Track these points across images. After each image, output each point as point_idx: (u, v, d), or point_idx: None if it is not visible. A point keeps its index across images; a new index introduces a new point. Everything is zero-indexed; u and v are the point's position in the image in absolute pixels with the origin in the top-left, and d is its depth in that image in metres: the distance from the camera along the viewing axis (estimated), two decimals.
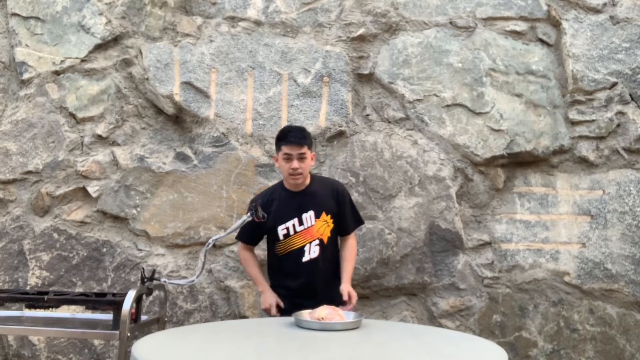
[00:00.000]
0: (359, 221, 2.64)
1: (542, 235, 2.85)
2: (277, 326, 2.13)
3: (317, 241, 2.52)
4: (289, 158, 2.44)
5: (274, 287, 2.58)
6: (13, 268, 2.92)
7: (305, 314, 2.15)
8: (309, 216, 2.52)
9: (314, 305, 2.20)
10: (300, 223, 2.52)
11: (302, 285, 2.50)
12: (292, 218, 2.51)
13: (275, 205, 2.53)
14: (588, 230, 2.83)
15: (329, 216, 2.53)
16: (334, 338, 1.93)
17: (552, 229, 2.85)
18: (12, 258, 2.92)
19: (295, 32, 2.96)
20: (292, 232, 2.51)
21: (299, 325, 2.07)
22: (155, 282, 2.30)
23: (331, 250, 2.57)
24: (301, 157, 2.44)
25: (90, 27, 2.98)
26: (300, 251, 2.51)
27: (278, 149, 2.49)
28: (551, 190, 2.87)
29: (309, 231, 2.51)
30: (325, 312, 2.10)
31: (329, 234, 2.54)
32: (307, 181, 2.55)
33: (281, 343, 1.87)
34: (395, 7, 2.94)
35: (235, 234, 2.57)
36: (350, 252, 2.59)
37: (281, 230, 2.50)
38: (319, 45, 2.94)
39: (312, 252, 2.51)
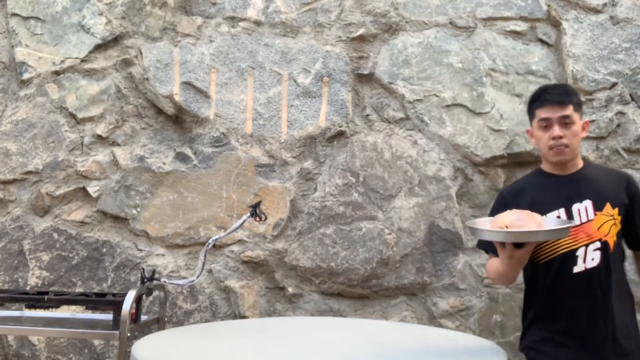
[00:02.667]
0: None
1: None
2: (277, 326, 2.12)
3: (598, 244, 1.85)
4: (547, 124, 1.88)
5: (532, 344, 1.91)
6: (13, 268, 2.92)
7: (485, 222, 1.76)
8: (583, 207, 1.87)
9: (598, 354, 1.76)
10: (570, 216, 1.86)
11: (572, 314, 1.83)
12: (555, 208, 1.87)
13: (529, 195, 1.91)
14: None
15: (617, 210, 1.87)
16: (334, 338, 1.92)
17: None
18: (12, 258, 2.92)
19: (295, 32, 2.96)
20: None
21: (475, 235, 1.80)
22: (155, 282, 2.30)
23: (619, 265, 1.92)
24: (565, 123, 1.86)
25: (90, 27, 2.98)
26: (569, 258, 1.84)
27: (531, 115, 1.96)
28: None
29: (583, 228, 1.85)
30: (511, 217, 1.64)
31: (615, 238, 1.87)
32: (579, 162, 1.96)
33: (281, 343, 1.87)
34: (395, 7, 2.94)
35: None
36: None
37: None
38: (319, 45, 2.94)
39: (589, 258, 1.83)
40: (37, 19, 3.01)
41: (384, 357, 1.70)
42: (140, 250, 2.92)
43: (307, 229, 2.87)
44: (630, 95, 2.84)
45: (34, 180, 2.96)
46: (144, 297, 2.29)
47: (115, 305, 2.15)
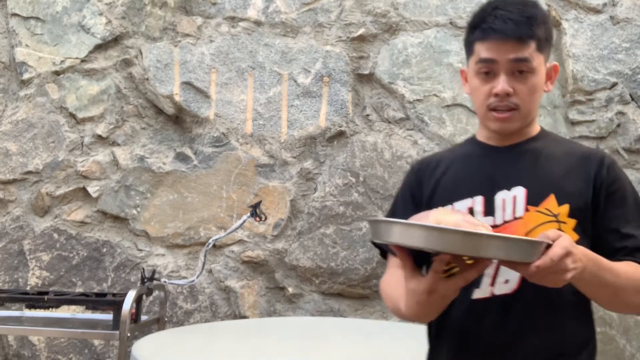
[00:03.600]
0: None
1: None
2: (277, 326, 2.13)
3: None
4: (489, 70, 1.22)
5: None
6: (13, 268, 2.92)
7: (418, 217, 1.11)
8: (511, 198, 1.21)
9: None
10: (489, 209, 1.21)
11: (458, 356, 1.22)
12: (468, 195, 1.23)
13: (442, 172, 1.30)
14: None
15: (565, 208, 1.19)
16: (334, 338, 1.93)
17: None
18: (12, 258, 2.92)
19: (295, 32, 2.96)
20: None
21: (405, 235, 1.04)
22: (155, 282, 2.30)
23: (567, 294, 1.18)
24: (520, 70, 1.20)
25: (90, 27, 2.98)
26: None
27: (469, 50, 1.29)
28: None
29: (507, 230, 1.18)
30: (456, 218, 1.04)
31: None
32: (531, 129, 1.30)
33: (281, 343, 1.87)
34: (395, 7, 2.94)
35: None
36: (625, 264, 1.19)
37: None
38: (319, 45, 2.94)
39: (500, 280, 1.17)
40: (37, 19, 3.01)
41: (384, 357, 1.70)
42: (140, 250, 2.92)
43: (307, 229, 2.87)
44: (630, 95, 2.84)
45: (34, 180, 2.95)
46: (144, 297, 2.29)
47: (115, 305, 2.15)
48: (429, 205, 1.25)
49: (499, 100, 1.21)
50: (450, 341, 1.23)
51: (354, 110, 2.93)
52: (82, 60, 2.98)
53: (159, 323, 2.42)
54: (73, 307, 2.58)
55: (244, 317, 2.86)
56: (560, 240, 1.01)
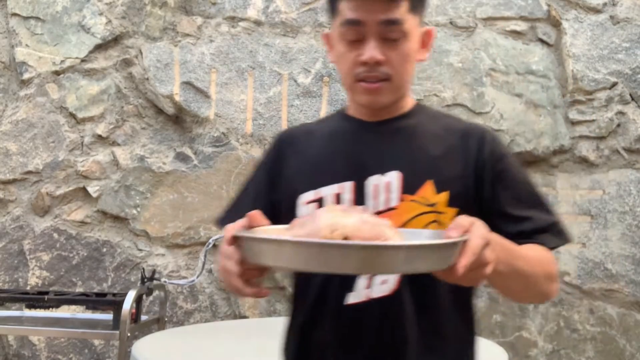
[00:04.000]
0: (556, 231, 1.09)
1: None
2: (277, 326, 2.12)
3: None
4: (356, 35, 1.04)
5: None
6: (13, 268, 2.92)
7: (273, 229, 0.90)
8: (384, 184, 1.05)
9: None
10: (359, 197, 1.05)
11: None
12: (335, 180, 1.07)
13: (306, 149, 1.14)
14: (588, 230, 2.83)
15: (444, 196, 1.05)
16: None
17: None
18: (12, 258, 2.92)
19: (295, 32, 2.96)
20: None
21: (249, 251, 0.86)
22: (155, 282, 2.30)
23: (444, 292, 1.05)
24: (390, 36, 1.04)
25: (91, 27, 2.98)
26: (341, 278, 1.03)
27: (333, 10, 1.09)
28: (551, 190, 2.87)
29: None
30: (352, 221, 0.80)
31: None
32: (404, 103, 1.14)
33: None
34: None
35: None
36: (529, 247, 1.04)
37: (304, 207, 1.06)
38: (319, 45, 2.94)
39: (376, 281, 1.03)
40: (37, 19, 3.01)
41: None
42: (140, 250, 2.92)
43: None
44: (630, 95, 2.84)
45: (34, 180, 2.95)
46: (144, 297, 2.29)
47: (115, 305, 2.15)
48: (289, 188, 1.08)
49: (367, 70, 1.04)
50: (322, 355, 1.05)
51: None
52: (82, 60, 2.98)
53: (159, 323, 2.42)
54: (73, 307, 2.58)
55: (244, 317, 2.86)
56: (476, 228, 0.83)
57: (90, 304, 2.27)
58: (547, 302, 0.90)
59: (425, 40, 1.17)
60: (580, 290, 2.82)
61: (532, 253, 1.03)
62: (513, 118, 2.86)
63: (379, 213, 1.02)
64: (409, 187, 1.05)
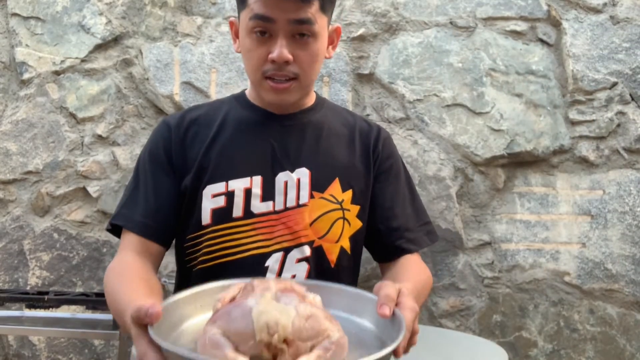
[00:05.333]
0: (427, 230, 1.23)
1: (542, 235, 2.85)
2: None
3: (307, 249, 1.06)
4: (265, 31, 1.03)
5: None
6: (13, 268, 2.92)
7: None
8: (294, 181, 1.06)
9: None
10: (268, 193, 1.05)
11: None
12: (245, 174, 1.06)
13: (213, 138, 1.09)
14: (588, 230, 2.83)
15: (349, 194, 1.09)
16: None
17: (552, 229, 2.85)
18: (12, 258, 2.92)
19: None
20: (238, 211, 1.02)
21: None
22: None
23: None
24: (301, 34, 1.04)
25: (91, 27, 2.98)
26: (252, 269, 1.03)
27: (241, 2, 1.08)
28: (551, 190, 2.87)
29: (286, 219, 1.04)
30: (291, 326, 0.71)
31: (346, 243, 1.10)
32: (311, 97, 1.18)
33: None
34: (396, 7, 2.94)
35: None
36: (420, 272, 1.19)
37: (209, 200, 1.04)
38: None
39: (286, 274, 1.06)
40: (37, 19, 3.01)
41: None
42: None
43: None
44: (630, 95, 2.84)
45: (34, 180, 2.95)
46: None
47: None
48: (194, 178, 1.01)
49: (276, 68, 1.03)
50: None
51: (354, 110, 2.93)
52: (82, 60, 2.98)
53: None
54: (73, 307, 2.58)
55: None
56: (405, 299, 0.82)
57: (90, 304, 2.26)
58: None
59: (333, 38, 1.17)
60: (580, 290, 2.82)
61: (419, 278, 1.06)
62: (513, 118, 2.86)
63: (288, 209, 1.04)
64: (318, 184, 1.07)
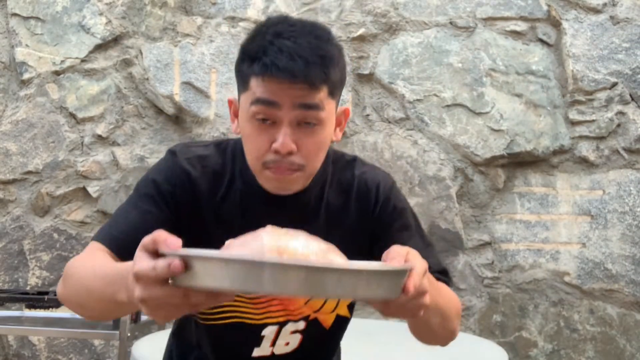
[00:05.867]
0: (447, 273, 1.12)
1: (542, 235, 2.85)
2: None
3: (302, 324, 1.10)
4: (269, 117, 0.95)
5: None
6: (13, 268, 2.92)
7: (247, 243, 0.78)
8: None
9: None
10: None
11: None
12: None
13: (211, 209, 1.05)
14: (588, 231, 2.83)
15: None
16: None
17: (552, 229, 2.85)
18: (12, 258, 2.92)
19: None
20: None
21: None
22: None
23: (334, 347, 1.22)
24: (306, 122, 0.96)
25: (91, 27, 2.98)
26: (249, 332, 1.08)
27: (243, 81, 0.99)
28: (551, 190, 2.87)
29: (284, 298, 1.05)
30: (300, 250, 0.73)
31: (345, 309, 1.14)
32: (307, 179, 1.04)
33: None
34: (395, 7, 2.94)
35: None
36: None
37: None
38: None
39: (281, 342, 1.10)
40: (37, 19, 3.01)
41: (384, 357, 1.69)
42: None
43: None
44: (630, 95, 2.84)
45: (34, 180, 2.95)
46: None
47: None
48: (200, 245, 0.85)
49: (278, 159, 0.95)
50: None
51: (354, 110, 2.93)
52: (82, 60, 2.98)
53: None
54: None
55: None
56: (413, 255, 0.81)
57: None
58: (449, 343, 0.91)
59: (341, 120, 1.08)
60: (580, 290, 2.82)
61: (444, 289, 1.03)
62: (513, 118, 2.86)
63: None
64: None
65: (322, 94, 0.94)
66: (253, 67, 0.95)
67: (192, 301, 0.70)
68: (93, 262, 0.98)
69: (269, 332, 1.06)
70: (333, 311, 1.08)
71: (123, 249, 0.99)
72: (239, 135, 1.04)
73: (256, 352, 1.09)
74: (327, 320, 1.10)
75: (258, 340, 1.07)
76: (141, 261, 0.70)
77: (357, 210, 1.07)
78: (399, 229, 1.07)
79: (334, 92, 0.98)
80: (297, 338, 1.08)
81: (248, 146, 0.99)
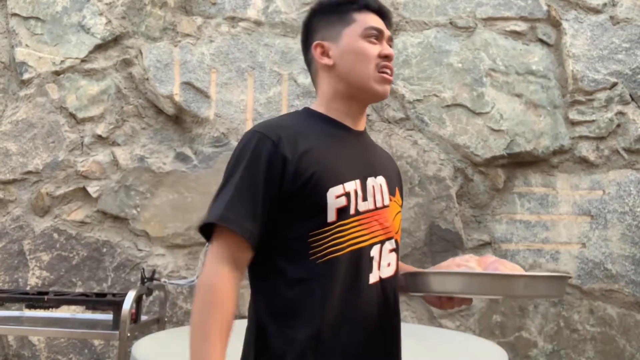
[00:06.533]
0: None
1: (542, 235, 2.85)
2: None
3: (394, 243, 1.26)
4: (377, 36, 1.27)
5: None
6: (13, 268, 2.92)
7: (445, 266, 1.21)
8: (378, 185, 1.24)
9: None
10: (365, 194, 1.20)
11: (368, 340, 1.18)
12: (352, 178, 1.20)
13: (315, 149, 1.19)
14: (588, 231, 2.83)
15: (402, 198, 1.34)
16: None
17: (552, 229, 2.85)
18: (12, 258, 2.92)
19: (295, 32, 2.96)
20: (352, 209, 1.17)
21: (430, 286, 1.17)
22: (155, 282, 2.30)
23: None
24: (389, 42, 1.31)
25: (90, 27, 2.98)
26: (363, 259, 1.18)
27: (343, 19, 1.30)
28: (551, 191, 2.87)
29: (379, 217, 1.22)
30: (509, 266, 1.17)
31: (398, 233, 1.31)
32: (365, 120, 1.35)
33: None
34: (395, 7, 2.94)
35: None
36: None
37: (334, 200, 1.16)
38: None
39: (384, 263, 1.22)
40: (37, 19, 3.01)
41: None
42: (140, 250, 2.91)
43: None
44: (630, 95, 2.84)
45: (34, 180, 2.95)
46: (144, 297, 2.29)
47: (115, 305, 2.15)
48: (315, 185, 1.16)
49: (388, 64, 1.28)
50: (349, 328, 1.17)
51: None
52: (82, 60, 2.98)
53: (159, 323, 2.42)
54: (73, 307, 2.58)
55: (244, 317, 2.86)
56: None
57: (90, 304, 2.26)
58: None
59: None
60: (580, 291, 2.82)
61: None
62: (513, 118, 2.86)
63: (379, 208, 1.24)
64: (391, 190, 1.28)
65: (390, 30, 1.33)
66: (356, 5, 1.31)
67: None
68: (211, 311, 1.16)
69: (375, 252, 1.21)
70: (398, 232, 1.31)
71: (256, 239, 1.17)
72: (332, 65, 1.29)
73: (371, 279, 1.20)
74: (399, 241, 1.32)
75: (371, 264, 1.20)
76: None
77: (393, 165, 1.39)
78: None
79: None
80: (394, 257, 1.26)
81: (362, 59, 1.27)
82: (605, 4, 2.88)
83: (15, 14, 3.02)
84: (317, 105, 1.31)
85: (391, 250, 1.25)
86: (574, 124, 2.86)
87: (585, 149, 2.84)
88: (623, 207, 2.82)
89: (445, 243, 2.85)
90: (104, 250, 2.92)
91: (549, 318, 2.82)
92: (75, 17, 3.00)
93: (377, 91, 1.26)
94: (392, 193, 1.27)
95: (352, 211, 1.17)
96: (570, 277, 1.28)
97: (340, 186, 1.17)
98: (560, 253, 2.83)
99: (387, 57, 1.27)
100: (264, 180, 1.16)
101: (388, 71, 1.27)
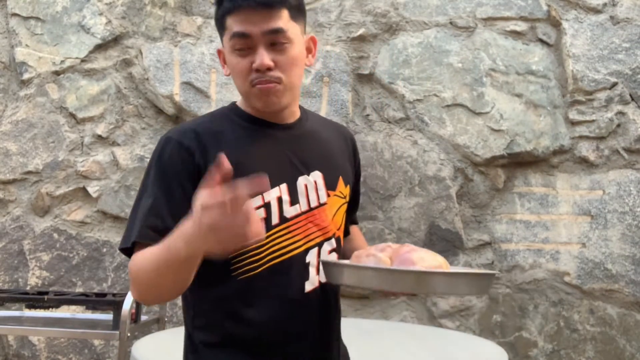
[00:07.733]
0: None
1: (542, 235, 2.85)
2: None
3: (334, 242, 1.21)
4: (245, 45, 1.13)
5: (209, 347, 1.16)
6: (13, 268, 2.92)
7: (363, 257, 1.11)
8: (312, 183, 1.19)
9: None
10: (294, 197, 1.16)
11: (310, 347, 1.18)
12: (276, 183, 1.14)
13: (233, 150, 1.10)
14: (588, 231, 2.83)
15: (348, 188, 1.27)
16: None
17: (552, 229, 2.85)
18: (12, 258, 2.92)
19: None
20: (275, 219, 1.13)
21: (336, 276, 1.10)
22: None
23: None
24: (275, 42, 1.13)
25: (91, 27, 2.98)
26: (297, 266, 1.15)
27: (221, 27, 1.17)
28: (551, 191, 2.87)
29: (314, 217, 1.18)
30: (436, 258, 1.19)
31: (340, 230, 1.25)
32: (297, 108, 1.26)
33: None
34: (395, 7, 2.94)
35: None
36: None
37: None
38: (319, 45, 2.94)
39: (321, 268, 1.18)
40: (37, 19, 3.01)
41: (384, 357, 1.70)
42: None
43: None
44: (630, 95, 2.84)
45: (34, 180, 2.95)
46: None
47: (115, 305, 2.15)
48: None
49: (260, 76, 1.13)
50: (280, 336, 1.14)
51: (354, 110, 2.93)
52: (82, 60, 2.98)
53: (159, 323, 2.42)
54: (73, 307, 2.58)
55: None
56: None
57: (90, 304, 2.27)
58: None
59: (311, 47, 1.25)
60: (580, 291, 2.82)
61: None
62: (513, 118, 2.86)
63: (313, 209, 1.18)
64: (330, 184, 1.22)
65: (284, 19, 1.13)
66: (223, 5, 1.14)
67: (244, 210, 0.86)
68: (146, 251, 1.07)
69: (311, 257, 1.16)
70: (340, 228, 1.25)
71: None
72: (229, 76, 1.20)
73: (308, 287, 1.16)
74: (342, 238, 1.27)
75: (307, 271, 1.15)
76: (201, 196, 0.88)
77: (345, 146, 1.32)
78: (358, 175, 1.37)
79: (295, 15, 1.16)
80: (334, 258, 1.20)
81: (236, 74, 1.16)
82: (605, 4, 2.88)
83: (15, 14, 3.02)
84: (241, 101, 1.23)
85: (331, 251, 1.19)
86: (574, 123, 2.86)
87: (585, 149, 2.84)
88: (623, 207, 2.82)
89: (445, 243, 2.85)
90: (104, 250, 2.92)
91: (549, 318, 2.82)
92: (75, 17, 3.00)
93: (257, 107, 1.17)
94: (331, 187, 1.21)
95: (275, 221, 1.12)
96: (483, 275, 1.17)
97: (259, 197, 1.10)
98: (560, 253, 2.84)
99: (257, 70, 1.12)
100: (178, 186, 1.10)
101: (264, 83, 1.12)
